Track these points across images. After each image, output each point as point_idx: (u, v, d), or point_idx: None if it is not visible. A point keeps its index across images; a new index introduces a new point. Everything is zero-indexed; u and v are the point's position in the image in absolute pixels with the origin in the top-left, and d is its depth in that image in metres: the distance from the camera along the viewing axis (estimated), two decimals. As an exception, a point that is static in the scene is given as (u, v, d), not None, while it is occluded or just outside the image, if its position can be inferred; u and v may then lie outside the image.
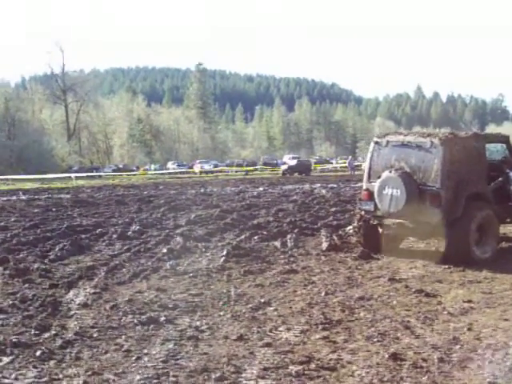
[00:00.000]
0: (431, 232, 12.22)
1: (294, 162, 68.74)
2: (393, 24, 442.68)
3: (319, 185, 38.30)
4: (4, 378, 5.90)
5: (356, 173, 59.30)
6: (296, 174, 62.57)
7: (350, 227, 14.82)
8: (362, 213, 13.04)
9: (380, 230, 12.85)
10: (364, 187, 13.05)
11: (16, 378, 5.88)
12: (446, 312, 8.28)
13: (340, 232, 15.28)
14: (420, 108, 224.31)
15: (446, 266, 11.34)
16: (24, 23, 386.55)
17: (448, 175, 11.62)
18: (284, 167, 68.32)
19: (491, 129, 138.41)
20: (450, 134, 12.32)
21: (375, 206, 12.50)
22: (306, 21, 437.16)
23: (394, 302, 8.82)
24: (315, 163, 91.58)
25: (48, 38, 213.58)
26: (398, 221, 12.23)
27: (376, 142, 12.84)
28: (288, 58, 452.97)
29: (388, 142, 12.62)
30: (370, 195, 12.63)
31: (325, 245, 13.57)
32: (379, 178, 12.32)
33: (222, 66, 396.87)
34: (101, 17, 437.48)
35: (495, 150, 14.17)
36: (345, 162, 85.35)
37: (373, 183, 12.58)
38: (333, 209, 20.96)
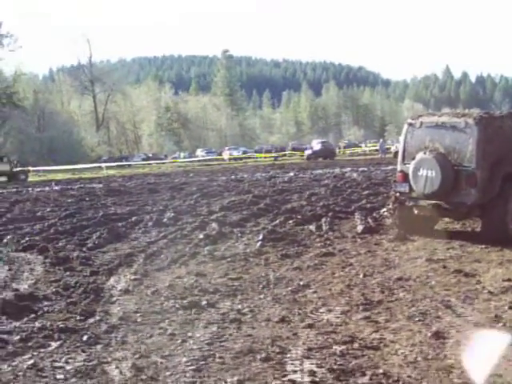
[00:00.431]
0: (467, 212, 12.20)
1: (318, 147, 68.25)
2: (419, 4, 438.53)
3: (350, 168, 38.19)
4: (55, 361, 6.04)
5: (386, 156, 59.04)
6: (320, 159, 62.27)
7: (385, 209, 14.83)
8: (397, 194, 13.03)
9: (415, 211, 12.83)
10: (398, 169, 13.03)
11: (66, 362, 6.01)
12: (486, 291, 8.27)
13: (374, 214, 15.30)
14: (448, 89, 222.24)
15: (484, 246, 11.33)
16: (50, 14, 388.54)
17: (483, 155, 11.57)
18: (308, 152, 67.94)
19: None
20: (485, 113, 12.27)
21: (410, 187, 12.49)
22: (331, 4, 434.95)
23: (433, 282, 8.83)
24: (344, 147, 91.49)
25: (74, 28, 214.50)
26: (433, 202, 12.21)
27: (410, 124, 12.80)
28: (314, 42, 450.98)
29: (422, 123, 12.57)
30: (405, 177, 12.62)
31: (360, 227, 13.58)
32: (414, 159, 12.31)
33: (248, 52, 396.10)
34: (126, 6, 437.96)
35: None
36: (374, 146, 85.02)
37: (407, 165, 12.56)
38: (365, 192, 20.93)
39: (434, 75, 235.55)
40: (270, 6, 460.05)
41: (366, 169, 37.17)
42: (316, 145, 70.11)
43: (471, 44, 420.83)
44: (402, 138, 13.06)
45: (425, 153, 12.12)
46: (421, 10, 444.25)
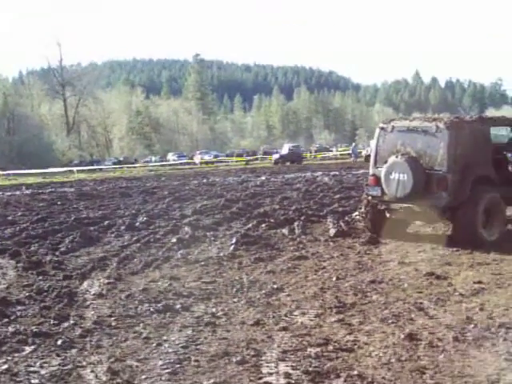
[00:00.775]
0: (438, 216, 12.31)
1: (285, 151, 68.18)
2: (389, 9, 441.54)
3: (321, 173, 38.31)
4: (29, 366, 6.02)
5: (358, 160, 59.35)
6: (288, 163, 62.16)
7: (357, 213, 14.95)
8: (369, 198, 13.13)
9: (387, 214, 12.93)
10: (371, 172, 13.13)
11: (41, 366, 6.00)
12: (457, 293, 8.38)
13: (346, 218, 15.40)
14: (418, 94, 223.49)
15: (454, 249, 11.45)
16: (20, 17, 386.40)
17: (454, 159, 11.71)
18: (275, 156, 67.91)
19: (490, 113, 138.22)
20: (456, 117, 12.42)
21: (382, 191, 12.59)
22: (301, 9, 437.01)
23: (406, 285, 8.92)
24: (315, 151, 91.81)
25: (45, 31, 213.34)
26: (405, 205, 12.32)
27: (382, 128, 12.91)
28: (285, 47, 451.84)
29: (394, 127, 12.68)
30: (377, 180, 12.72)
31: (332, 231, 13.66)
32: (386, 163, 12.41)
33: (220, 57, 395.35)
34: (96, 8, 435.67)
35: (500, 134, 14.18)
36: (345, 150, 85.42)
37: (379, 168, 12.67)
38: (337, 196, 21.06)
39: (404, 80, 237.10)
40: (241, 10, 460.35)
41: (337, 173, 37.29)
42: (284, 149, 70.27)
43: (440, 49, 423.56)
44: (374, 142, 13.17)
45: (397, 156, 12.23)
46: (390, 17, 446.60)
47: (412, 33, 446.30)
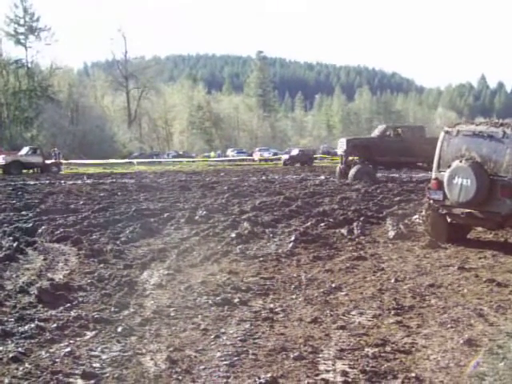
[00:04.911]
0: (501, 223, 12.11)
1: (295, 152, 67.14)
2: (456, 11, 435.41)
3: (380, 174, 37.98)
4: (91, 350, 6.16)
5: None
6: (298, 164, 61.38)
7: (416, 216, 14.83)
8: (431, 202, 12.99)
9: (448, 219, 12.79)
10: (433, 176, 12.98)
11: (102, 351, 6.13)
12: (518, 302, 8.25)
13: (406, 221, 15.26)
14: (483, 98, 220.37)
15: (516, 257, 11.27)
16: (87, 10, 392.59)
17: None
18: (285, 157, 66.72)
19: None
20: (524, 123, 12.19)
21: (444, 195, 12.43)
22: (366, 9, 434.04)
23: (465, 291, 8.80)
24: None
25: (111, 24, 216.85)
26: (467, 210, 12.14)
27: (446, 132, 12.75)
28: (348, 47, 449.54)
29: (459, 131, 12.50)
30: (440, 184, 12.57)
31: (392, 233, 13.58)
32: (449, 167, 12.25)
33: (282, 54, 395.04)
34: (160, 3, 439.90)
35: None
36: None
37: (442, 172, 12.51)
38: (397, 198, 20.93)
39: (468, 84, 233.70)
40: (305, 8, 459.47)
41: (396, 175, 36.96)
42: (293, 150, 69.66)
43: (508, 54, 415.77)
44: (437, 146, 12.99)
45: (461, 161, 12.06)
46: (457, 19, 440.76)
47: (478, 35, 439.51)
